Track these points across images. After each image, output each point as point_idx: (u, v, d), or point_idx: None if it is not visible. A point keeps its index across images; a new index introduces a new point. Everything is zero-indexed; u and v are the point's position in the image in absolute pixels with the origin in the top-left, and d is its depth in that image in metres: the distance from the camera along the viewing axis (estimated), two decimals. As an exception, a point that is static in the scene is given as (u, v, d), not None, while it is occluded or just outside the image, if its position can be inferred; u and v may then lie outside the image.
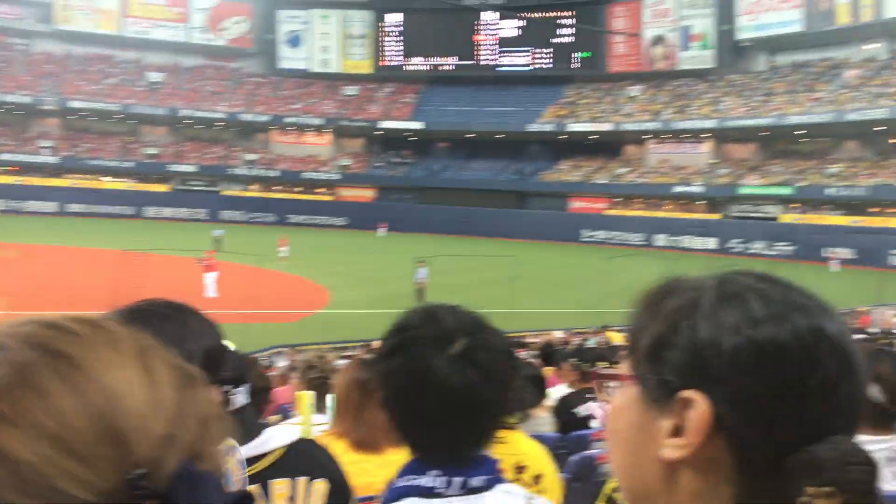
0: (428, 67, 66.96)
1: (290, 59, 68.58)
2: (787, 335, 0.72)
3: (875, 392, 2.60)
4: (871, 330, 16.20)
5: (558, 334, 16.07)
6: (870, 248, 40.92)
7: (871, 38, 52.14)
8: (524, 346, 15.14)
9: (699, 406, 0.72)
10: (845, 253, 41.40)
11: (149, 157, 61.32)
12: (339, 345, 15.40)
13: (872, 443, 2.60)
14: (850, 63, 52.84)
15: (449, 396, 1.30)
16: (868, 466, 0.70)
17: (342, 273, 29.72)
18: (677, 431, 0.74)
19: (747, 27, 56.22)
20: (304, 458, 1.79)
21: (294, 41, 68.34)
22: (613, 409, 0.83)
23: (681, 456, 0.73)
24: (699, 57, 58.68)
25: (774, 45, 56.65)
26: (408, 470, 1.34)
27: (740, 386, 0.71)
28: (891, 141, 48.41)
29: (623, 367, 0.83)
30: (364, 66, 68.09)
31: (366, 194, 61.37)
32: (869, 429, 2.61)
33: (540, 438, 4.26)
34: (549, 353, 9.19)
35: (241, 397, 1.68)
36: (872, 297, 23.10)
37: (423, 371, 1.30)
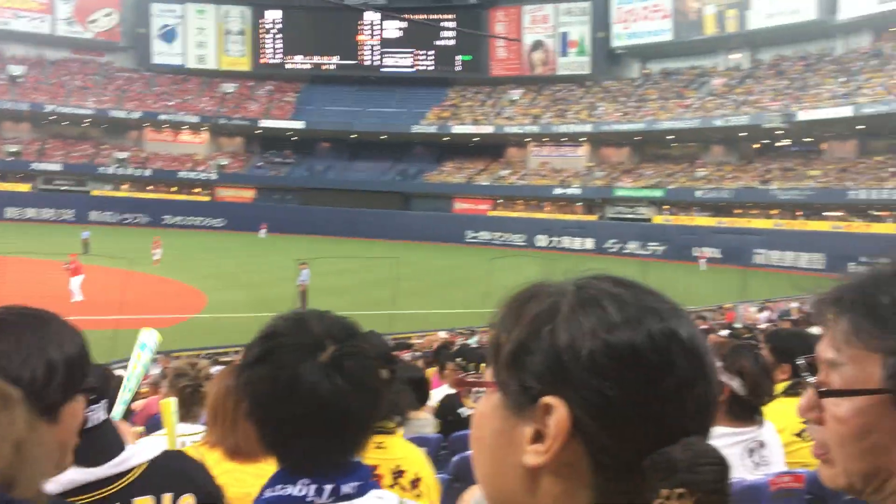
0: (309, 66, 66.03)
1: (164, 54, 66.01)
2: (642, 339, 0.73)
3: (737, 385, 2.71)
4: (735, 325, 17.12)
5: (442, 334, 16.15)
6: (734, 247, 43.31)
7: (735, 47, 55.29)
8: (409, 347, 15.15)
9: (558, 412, 0.72)
10: (712, 252, 43.69)
11: (10, 154, 57.70)
12: (217, 350, 14.94)
13: (734, 434, 2.70)
14: (716, 71, 55.81)
15: (317, 405, 1.25)
16: (719, 466, 0.72)
17: (220, 275, 28.88)
18: (538, 437, 0.73)
19: (621, 35, 58.46)
20: (170, 473, 1.70)
21: (168, 36, 65.82)
22: (477, 416, 0.82)
23: (542, 462, 0.73)
24: (576, 63, 60.52)
25: (646, 53, 59.15)
26: (276, 480, 1.29)
27: (597, 390, 0.71)
28: (753, 146, 51.49)
29: (487, 374, 0.82)
30: (242, 63, 66.36)
31: (245, 195, 59.91)
32: (731, 421, 2.72)
33: (422, 440, 4.25)
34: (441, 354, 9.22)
35: (100, 412, 1.60)
36: (737, 293, 24.39)
37: (289, 379, 1.26)
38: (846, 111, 42.90)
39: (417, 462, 2.67)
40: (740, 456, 2.67)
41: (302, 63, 65.91)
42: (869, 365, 0.83)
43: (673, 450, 0.71)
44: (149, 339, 4.50)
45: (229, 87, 66.09)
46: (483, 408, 0.81)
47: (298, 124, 61.49)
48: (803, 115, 44.74)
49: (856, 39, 49.35)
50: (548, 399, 0.73)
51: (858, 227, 41.15)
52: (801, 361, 0.94)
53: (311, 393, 1.25)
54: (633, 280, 0.81)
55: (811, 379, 0.92)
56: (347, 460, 1.32)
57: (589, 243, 50.08)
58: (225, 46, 66.21)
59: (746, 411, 2.71)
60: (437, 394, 5.67)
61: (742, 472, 2.63)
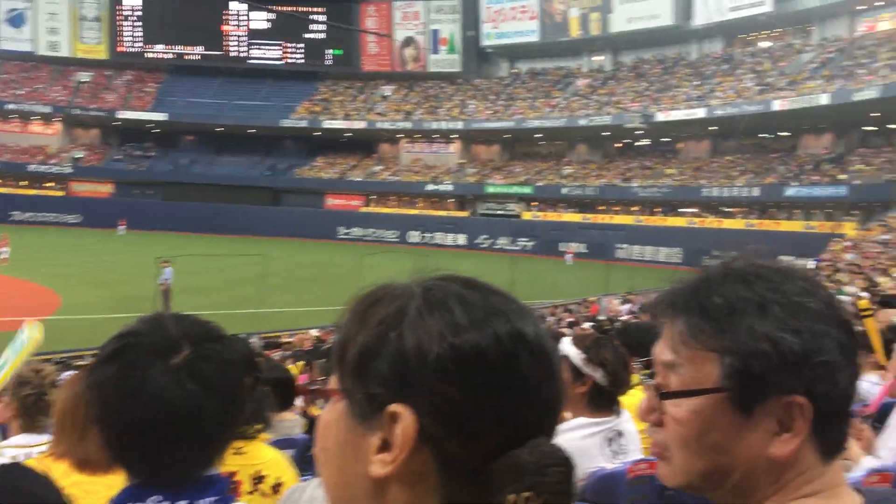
0: (171, 56, 63.40)
1: (11, 39, 61.58)
2: (488, 341, 0.72)
3: (599, 376, 2.76)
4: (599, 318, 17.79)
5: (314, 332, 15.89)
6: (599, 242, 45.00)
7: (598, 50, 57.44)
8: (279, 346, 14.81)
9: (405, 420, 0.70)
10: (578, 247, 45.24)
11: None
12: (70, 354, 14.07)
13: (595, 424, 2.76)
14: (580, 73, 57.79)
15: (165, 411, 1.15)
16: (565, 466, 0.71)
17: (74, 275, 27.28)
18: (385, 446, 0.72)
19: (490, 34, 59.55)
20: (6, 488, 1.55)
21: (16, 20, 61.47)
22: (321, 425, 0.80)
23: (389, 472, 0.71)
24: (447, 60, 61.14)
25: (515, 52, 60.51)
26: (125, 496, 1.19)
27: (444, 396, 0.70)
28: (616, 145, 53.68)
29: (332, 381, 0.80)
30: (99, 52, 62.87)
31: (103, 189, 56.86)
32: (593, 411, 2.78)
33: (288, 442, 4.12)
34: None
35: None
36: (601, 287, 25.34)
37: (136, 382, 1.17)
38: (700, 113, 45.41)
39: (279, 466, 2.61)
40: (600, 445, 2.71)
41: (164, 53, 63.20)
42: (706, 365, 0.86)
43: (520, 452, 0.70)
44: (25, 335, 4.06)
45: (84, 76, 62.53)
46: (328, 416, 0.79)
47: (160, 116, 58.98)
48: (661, 117, 47.02)
49: (709, 45, 52.37)
50: (394, 407, 0.71)
51: (711, 222, 43.69)
52: (637, 364, 0.98)
53: (158, 397, 1.16)
54: (480, 281, 0.79)
55: (650, 381, 0.93)
56: (204, 473, 1.23)
57: (461, 239, 50.75)
58: (80, 33, 62.53)
59: (607, 401, 2.77)
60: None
61: (601, 460, 2.67)
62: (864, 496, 0.87)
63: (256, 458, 2.54)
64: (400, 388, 0.71)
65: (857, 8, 44.51)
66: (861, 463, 2.80)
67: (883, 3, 43.09)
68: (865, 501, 0.86)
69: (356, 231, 53.29)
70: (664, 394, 0.90)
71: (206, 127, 59.44)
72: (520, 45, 59.10)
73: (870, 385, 4.46)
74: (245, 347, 3.07)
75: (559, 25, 56.83)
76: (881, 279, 17.63)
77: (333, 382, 0.79)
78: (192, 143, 61.13)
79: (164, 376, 1.18)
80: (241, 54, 63.31)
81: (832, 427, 0.86)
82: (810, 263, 24.79)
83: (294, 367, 8.46)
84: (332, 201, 56.65)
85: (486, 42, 59.90)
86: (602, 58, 57.47)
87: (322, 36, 61.94)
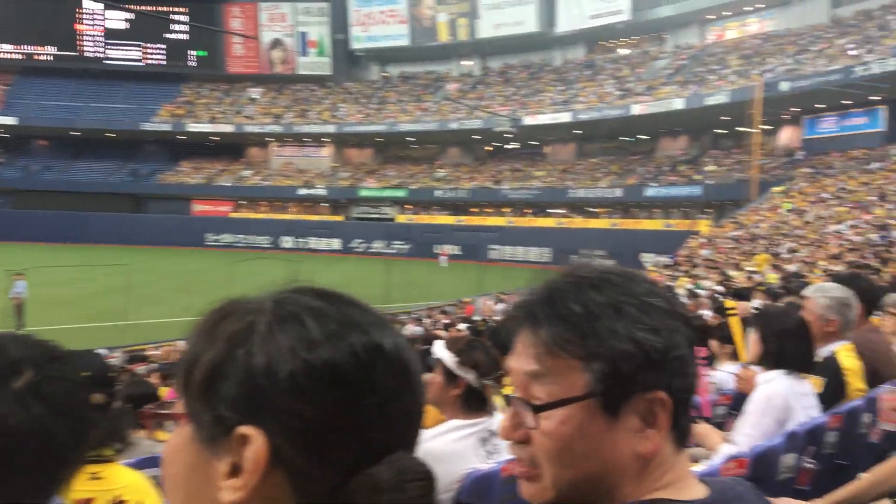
0: (21, 56, 59.45)
1: None
2: (344, 355, 0.69)
3: (472, 378, 2.77)
4: (474, 318, 18.03)
5: (182, 344, 15.27)
6: (472, 244, 45.70)
7: (467, 55, 58.39)
8: (144, 359, 14.14)
9: (255, 442, 0.67)
10: (452, 249, 45.77)
11: None
12: None
13: (470, 426, 2.76)
14: (450, 77, 58.55)
15: (10, 438, 1.06)
16: (425, 481, 0.70)
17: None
18: (235, 471, 0.68)
19: (360, 38, 59.34)
20: None
21: None
22: (168, 451, 0.75)
23: (239, 499, 0.67)
24: (317, 63, 60.45)
25: (385, 56, 60.58)
26: None
27: (297, 415, 0.67)
28: (486, 148, 54.70)
29: (178, 403, 0.75)
30: (-62, 51, 58.35)
31: (-55, 198, 52.71)
32: (466, 413, 2.78)
33: (153, 461, 3.92)
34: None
35: None
36: (475, 288, 25.69)
37: None
38: (565, 117, 46.94)
39: (140, 490, 2.46)
40: (475, 446, 2.72)
41: (12, 53, 59.18)
42: (573, 373, 0.87)
43: (378, 470, 0.68)
44: None
45: (-80, 76, 57.80)
46: (174, 441, 0.75)
47: (9, 120, 55.12)
48: (529, 120, 48.28)
49: (572, 51, 54.26)
50: (243, 429, 0.67)
51: (578, 222, 45.26)
52: (489, 382, 0.99)
53: (2, 424, 1.05)
54: (336, 291, 0.76)
55: (513, 396, 0.92)
56: (51, 501, 1.11)
57: (335, 243, 50.28)
58: (-87, 29, 57.73)
59: (480, 402, 2.78)
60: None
61: (476, 461, 2.68)
62: (709, 486, 0.90)
63: (115, 482, 2.38)
64: (250, 410, 0.68)
65: (707, 17, 47.32)
66: (719, 450, 2.94)
67: (730, 13, 45.99)
68: (711, 491, 0.89)
69: (226, 237, 51.77)
70: (538, 407, 0.88)
71: (61, 131, 56.11)
72: (390, 49, 59.22)
73: (725, 375, 4.71)
74: (98, 363, 2.88)
75: (428, 30, 57.35)
76: (733, 273, 18.77)
77: (178, 405, 0.75)
78: (46, 148, 57.58)
79: (7, 402, 1.07)
80: (98, 55, 60.17)
81: (682, 418, 0.89)
82: (664, 260, 26.17)
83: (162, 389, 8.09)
84: (200, 207, 54.79)
85: (355, 45, 59.65)
86: (471, 63, 58.45)
87: (185, 37, 59.81)
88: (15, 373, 1.09)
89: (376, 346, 0.71)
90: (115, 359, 14.16)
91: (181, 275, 33.67)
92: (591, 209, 46.24)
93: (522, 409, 0.90)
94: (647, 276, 0.94)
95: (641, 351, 0.85)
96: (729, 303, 4.42)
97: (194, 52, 60.49)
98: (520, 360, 0.92)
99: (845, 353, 3.53)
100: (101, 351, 14.22)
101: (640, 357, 0.85)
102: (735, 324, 3.96)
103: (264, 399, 0.68)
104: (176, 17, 57.91)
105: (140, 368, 11.28)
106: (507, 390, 0.98)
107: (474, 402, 2.78)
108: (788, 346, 3.21)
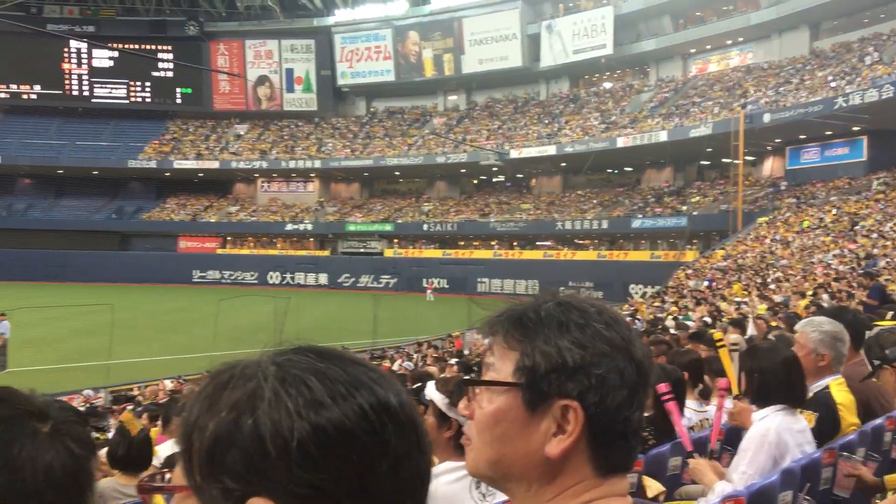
0: (6, 95, 59.45)
1: None
2: (354, 417, 0.68)
3: (463, 419, 2.72)
4: (465, 352, 17.91)
5: (168, 383, 15.08)
6: (460, 277, 45.69)
7: (452, 90, 58.86)
8: (130, 399, 13.94)
9: None
10: (439, 283, 45.69)
11: None
12: None
13: (462, 468, 2.70)
14: (436, 111, 58.94)
15: (39, 476, 1.04)
16: None
17: None
18: None
19: (346, 74, 59.67)
20: None
21: None
22: None
23: None
24: (303, 99, 60.74)
25: (371, 91, 60.97)
26: None
27: (309, 482, 0.66)
28: (473, 181, 54.92)
29: (176, 475, 0.74)
30: (-78, 90, 58.17)
31: (-72, 238, 52.19)
32: (459, 455, 2.72)
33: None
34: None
35: None
36: (464, 321, 25.53)
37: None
38: (550, 150, 47.25)
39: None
40: (468, 488, 2.66)
41: (-3, 91, 59.21)
42: (507, 363, 0.99)
43: None
44: None
45: None
46: None
47: (-7, 158, 55.02)
48: (514, 154, 48.57)
49: (556, 85, 54.81)
50: (254, 501, 0.66)
51: (566, 254, 45.37)
52: (467, 378, 1.12)
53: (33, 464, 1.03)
54: (337, 351, 0.76)
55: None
56: None
57: (323, 278, 50.14)
58: None
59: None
60: (163, 450, 5.23)
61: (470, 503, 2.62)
62: None
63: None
64: (259, 480, 0.66)
65: (689, 51, 47.98)
66: (715, 489, 2.89)
67: (711, 46, 46.66)
68: None
69: (213, 274, 51.54)
70: (465, 380, 1.06)
71: (45, 169, 55.99)
72: (376, 85, 59.62)
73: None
74: (64, 409, 2.81)
75: (414, 65, 57.82)
76: (721, 304, 18.77)
77: (178, 476, 0.72)
78: (30, 187, 57.38)
79: (39, 443, 1.03)
80: (84, 93, 60.28)
81: (610, 445, 0.96)
82: (703, 284, 25.99)
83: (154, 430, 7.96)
84: (186, 244, 54.61)
85: (342, 81, 60.01)
86: (456, 97, 58.91)
87: (170, 74, 60.05)
88: (41, 419, 1.09)
89: (384, 404, 0.71)
90: (100, 399, 13.96)
91: (165, 313, 33.40)
92: (578, 241, 46.38)
93: (469, 388, 1.04)
94: (611, 310, 1.04)
95: (559, 356, 0.95)
96: (717, 335, 4.39)
97: (180, 90, 60.68)
98: (487, 355, 1.04)
99: (837, 388, 3.51)
100: (87, 392, 14.04)
101: (556, 361, 0.95)
102: (724, 355, 3.93)
103: (273, 469, 0.66)
104: (161, 56, 58.17)
105: (128, 408, 11.10)
106: None
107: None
108: (776, 382, 3.19)
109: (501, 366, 0.99)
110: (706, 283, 26.02)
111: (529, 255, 46.90)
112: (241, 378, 0.71)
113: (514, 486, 0.99)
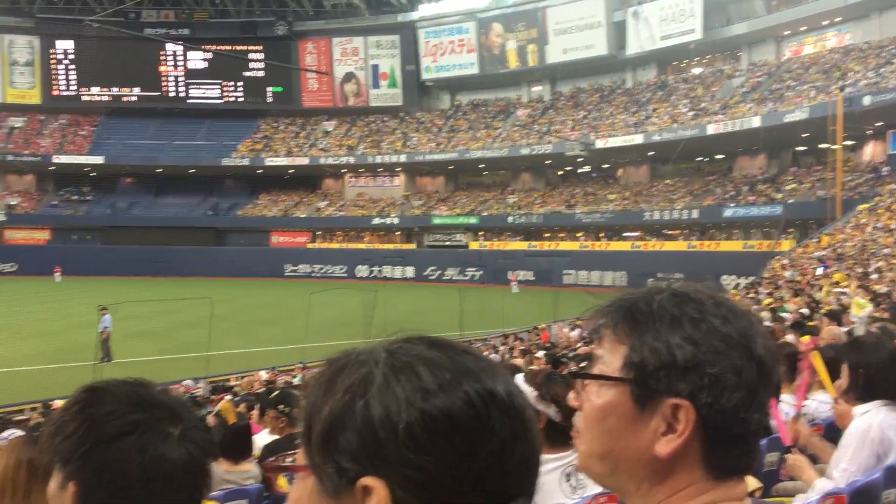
0: (108, 98, 62.38)
1: (-61, 86, 59.94)
2: (459, 404, 0.70)
3: (553, 412, 2.74)
4: (550, 344, 17.81)
5: (263, 374, 15.58)
6: (545, 269, 45.38)
7: (536, 80, 58.42)
8: (228, 389, 14.46)
9: (378, 494, 0.69)
10: (525, 275, 45.48)
11: None
12: (8, 409, 13.52)
13: (553, 460, 2.72)
14: (520, 103, 58.62)
15: (170, 472, 1.15)
16: None
17: (7, 326, 26.33)
18: None
19: (430, 68, 60.06)
20: None
21: (-56, 66, 59.89)
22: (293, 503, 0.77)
23: None
24: (388, 95, 61.44)
25: (455, 85, 61.12)
26: None
27: (416, 466, 0.69)
28: (558, 173, 54.43)
29: (299, 455, 0.77)
30: (32, 96, 61.48)
31: (39, 236, 55.32)
32: (549, 447, 2.74)
33: (241, 493, 3.99)
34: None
35: None
36: (550, 314, 25.36)
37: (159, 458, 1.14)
38: (637, 139, 46.36)
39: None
40: (559, 481, 2.68)
41: (99, 95, 62.13)
42: (616, 357, 0.96)
43: None
44: None
45: (17, 121, 61.02)
46: (297, 494, 0.76)
47: (97, 159, 57.80)
48: (600, 144, 47.86)
49: (643, 73, 53.68)
50: (365, 480, 0.69)
51: (654, 245, 44.46)
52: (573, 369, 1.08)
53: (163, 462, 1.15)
54: (446, 340, 0.78)
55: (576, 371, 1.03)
56: None
57: (409, 272, 50.66)
58: (11, 78, 61.12)
59: (562, 436, 2.73)
60: (260, 440, 5.39)
61: (560, 496, 2.63)
62: None
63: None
64: (371, 461, 0.70)
65: (784, 33, 46.20)
66: (815, 486, 2.82)
67: (806, 27, 44.82)
68: None
69: (303, 268, 52.79)
70: (574, 373, 1.02)
71: (145, 169, 58.52)
72: (459, 78, 59.73)
73: (817, 404, 4.53)
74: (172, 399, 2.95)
75: (497, 57, 57.67)
76: (818, 295, 18.06)
77: (300, 457, 0.77)
78: (131, 186, 60.06)
79: (170, 444, 1.18)
80: (180, 94, 62.64)
81: (725, 447, 0.92)
82: (819, 270, 24.91)
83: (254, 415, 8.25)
84: (278, 239, 56.10)
85: (426, 75, 60.40)
86: (540, 88, 58.43)
87: (261, 74, 61.74)
88: (174, 422, 1.18)
89: (490, 393, 0.72)
90: (200, 389, 14.54)
91: (260, 306, 34.42)
92: (667, 231, 45.37)
93: (578, 382, 1.01)
94: (731, 302, 0.98)
95: (669, 354, 0.91)
96: (805, 339, 4.21)
97: (270, 89, 62.31)
98: (597, 346, 1.01)
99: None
100: (187, 381, 14.65)
101: (666, 359, 0.91)
102: (816, 358, 3.77)
103: (384, 450, 0.69)
104: (252, 56, 59.84)
105: (226, 398, 11.50)
106: None
107: (556, 437, 2.73)
108: (881, 377, 3.08)
109: (610, 359, 0.96)
110: (820, 270, 24.88)
111: (616, 245, 46.17)
112: (355, 364, 0.75)
113: (625, 483, 0.96)
